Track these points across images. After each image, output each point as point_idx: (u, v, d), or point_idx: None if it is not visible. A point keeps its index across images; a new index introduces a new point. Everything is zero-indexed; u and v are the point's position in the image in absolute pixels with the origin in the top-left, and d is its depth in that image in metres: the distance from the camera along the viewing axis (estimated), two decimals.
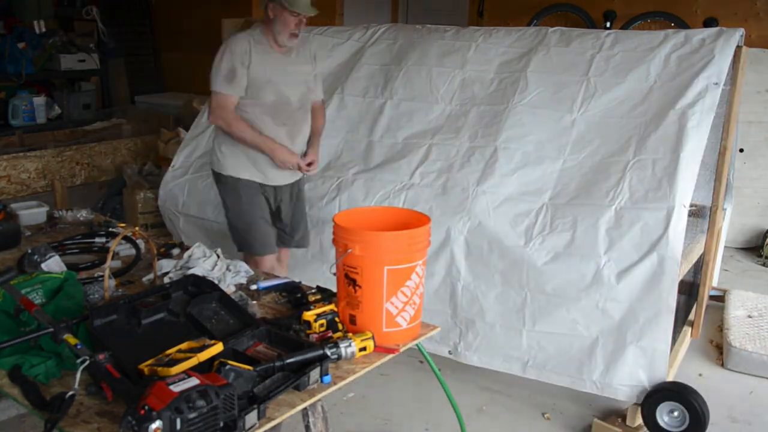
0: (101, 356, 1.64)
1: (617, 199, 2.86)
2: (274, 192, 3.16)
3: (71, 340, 1.72)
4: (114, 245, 2.22)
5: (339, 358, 1.82)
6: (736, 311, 3.82)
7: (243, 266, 2.52)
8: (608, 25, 5.97)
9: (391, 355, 1.97)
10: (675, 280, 2.66)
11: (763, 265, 5.00)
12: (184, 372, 1.52)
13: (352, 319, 2.03)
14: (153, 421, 1.35)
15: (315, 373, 1.72)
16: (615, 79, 3.23)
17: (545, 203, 3.00)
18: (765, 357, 3.37)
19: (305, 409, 1.78)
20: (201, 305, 2.04)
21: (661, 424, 2.74)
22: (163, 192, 3.97)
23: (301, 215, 3.32)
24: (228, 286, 2.34)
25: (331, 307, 2.05)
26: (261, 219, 3.11)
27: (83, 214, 3.11)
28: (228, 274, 2.43)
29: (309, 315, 1.99)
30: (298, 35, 2.96)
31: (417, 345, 2.08)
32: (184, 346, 1.70)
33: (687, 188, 2.78)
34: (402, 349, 2.02)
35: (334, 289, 2.16)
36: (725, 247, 4.39)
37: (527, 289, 2.88)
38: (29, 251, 2.44)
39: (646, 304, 2.70)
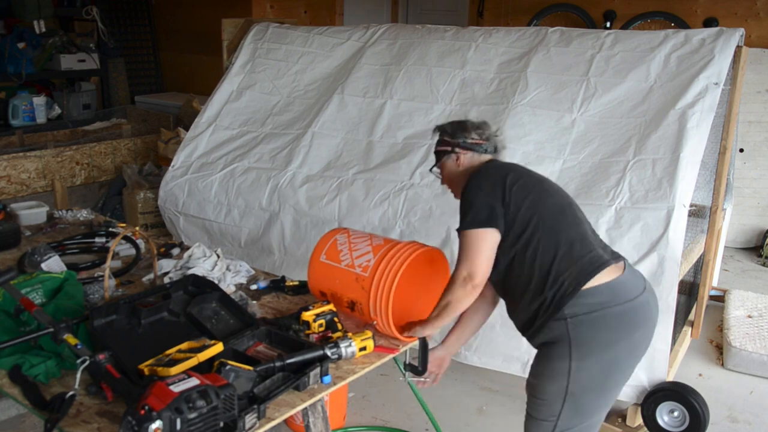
0: (101, 356, 1.64)
1: (617, 199, 2.86)
2: None
3: (71, 340, 1.72)
4: (114, 245, 2.22)
5: (339, 357, 1.82)
6: (736, 311, 3.82)
7: (243, 266, 2.52)
8: (608, 25, 5.97)
9: (391, 355, 1.97)
10: (675, 280, 2.66)
11: (763, 265, 5.00)
12: (184, 372, 1.52)
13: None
14: (153, 421, 1.35)
15: (315, 374, 1.72)
16: (615, 79, 3.23)
17: None
18: (765, 357, 3.37)
19: (305, 409, 1.78)
20: (201, 305, 2.04)
21: (661, 424, 2.74)
22: (163, 192, 3.97)
23: None
24: (228, 286, 2.34)
25: (330, 307, 2.05)
26: None
27: (83, 214, 3.11)
28: (228, 274, 2.43)
29: (308, 315, 1.99)
30: None
31: (394, 359, 2.08)
32: (184, 346, 1.70)
33: (687, 188, 2.78)
34: (402, 349, 2.02)
35: None
36: (725, 247, 4.39)
37: None
38: (29, 251, 2.44)
39: None
